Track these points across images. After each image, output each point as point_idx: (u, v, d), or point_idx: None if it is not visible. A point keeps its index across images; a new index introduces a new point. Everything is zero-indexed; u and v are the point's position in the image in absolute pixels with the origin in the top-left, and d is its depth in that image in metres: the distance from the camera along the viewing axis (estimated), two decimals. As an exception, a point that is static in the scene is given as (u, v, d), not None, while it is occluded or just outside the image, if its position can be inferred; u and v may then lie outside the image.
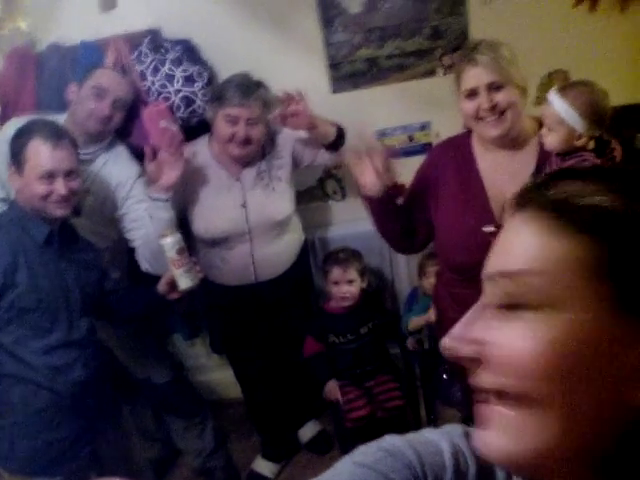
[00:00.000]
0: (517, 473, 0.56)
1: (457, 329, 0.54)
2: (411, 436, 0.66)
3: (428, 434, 0.66)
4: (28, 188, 1.92)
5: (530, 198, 0.55)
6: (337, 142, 2.51)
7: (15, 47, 2.57)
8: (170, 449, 3.08)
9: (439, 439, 0.64)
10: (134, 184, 2.40)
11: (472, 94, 1.86)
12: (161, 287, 2.13)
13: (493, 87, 1.82)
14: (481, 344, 0.52)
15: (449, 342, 0.54)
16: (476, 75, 1.84)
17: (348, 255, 2.68)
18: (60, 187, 1.92)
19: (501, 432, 0.51)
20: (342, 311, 2.68)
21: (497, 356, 0.51)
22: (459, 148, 2.01)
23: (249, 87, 2.31)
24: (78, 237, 2.13)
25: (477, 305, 0.55)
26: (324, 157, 2.57)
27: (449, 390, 2.61)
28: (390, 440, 0.65)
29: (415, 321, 2.66)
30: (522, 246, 0.52)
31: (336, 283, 2.64)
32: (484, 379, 0.52)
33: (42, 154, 1.91)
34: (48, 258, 1.98)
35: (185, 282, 2.05)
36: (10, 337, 1.93)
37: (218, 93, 2.36)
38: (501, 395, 0.51)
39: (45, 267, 1.97)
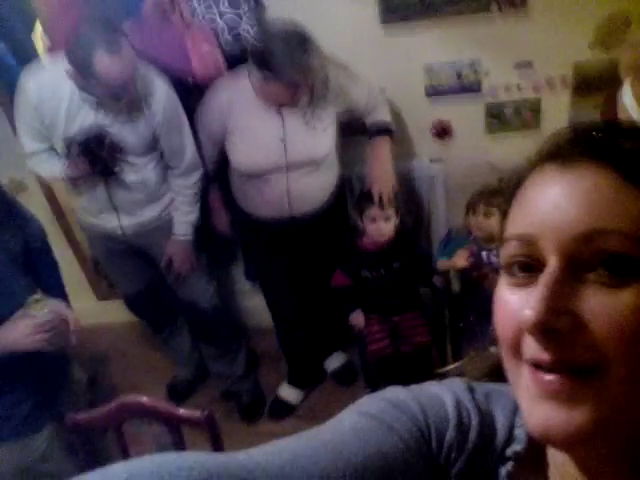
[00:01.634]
0: (571, 447, 0.53)
1: (546, 299, 0.49)
2: (414, 388, 0.66)
3: (431, 387, 0.66)
4: None
5: (603, 148, 0.52)
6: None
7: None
8: (202, 370, 3.17)
9: (442, 392, 0.64)
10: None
11: None
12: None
13: None
14: (578, 315, 0.48)
15: (542, 314, 0.48)
16: None
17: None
18: None
19: (578, 406, 0.49)
20: (376, 248, 2.68)
21: (600, 327, 0.48)
22: None
23: (296, 54, 2.16)
24: None
25: (557, 270, 0.50)
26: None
27: (475, 332, 2.63)
28: (394, 391, 0.65)
29: (442, 263, 2.65)
30: (619, 203, 0.49)
31: (373, 220, 2.62)
32: (577, 352, 0.49)
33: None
34: None
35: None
36: None
37: (263, 59, 2.21)
38: (583, 367, 0.49)
39: None
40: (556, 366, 0.49)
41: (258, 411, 3.05)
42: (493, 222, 2.47)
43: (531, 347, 0.51)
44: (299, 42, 2.18)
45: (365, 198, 2.63)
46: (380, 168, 2.62)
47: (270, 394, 3.10)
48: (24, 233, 2.00)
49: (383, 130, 2.63)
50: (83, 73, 2.10)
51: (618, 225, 0.48)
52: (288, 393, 3.05)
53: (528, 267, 0.53)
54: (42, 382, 1.94)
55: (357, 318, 2.70)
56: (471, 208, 2.53)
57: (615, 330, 0.47)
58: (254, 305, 3.34)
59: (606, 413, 0.48)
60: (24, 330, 1.76)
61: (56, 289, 2.09)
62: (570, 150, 0.53)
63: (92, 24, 2.12)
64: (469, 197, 2.56)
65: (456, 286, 2.74)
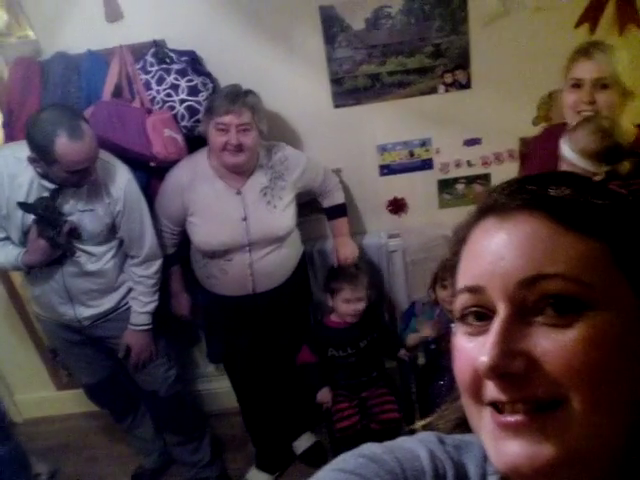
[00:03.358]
0: None
1: (499, 345, 0.52)
2: (388, 444, 0.66)
3: (405, 442, 0.67)
4: None
5: (536, 197, 0.56)
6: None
7: (21, 55, 2.59)
8: (166, 458, 3.09)
9: (416, 446, 0.65)
10: None
11: (576, 86, 1.96)
12: None
13: (599, 84, 1.92)
14: (531, 356, 0.51)
15: (496, 359, 0.51)
16: (586, 68, 1.94)
17: (358, 272, 2.68)
18: None
19: (545, 440, 0.51)
20: (343, 325, 2.69)
21: (553, 365, 0.51)
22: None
23: (237, 95, 2.35)
24: None
25: (506, 316, 0.53)
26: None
27: (443, 398, 2.61)
28: (369, 447, 0.66)
29: (412, 338, 2.66)
30: (556, 247, 0.53)
31: (347, 301, 2.62)
32: (534, 391, 0.51)
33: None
34: None
35: None
36: None
37: (208, 105, 2.41)
38: (541, 403, 0.51)
39: None
40: (516, 406, 0.52)
41: (226, 499, 2.95)
42: None
43: (490, 390, 0.54)
44: (242, 88, 2.40)
45: (337, 277, 2.67)
46: (345, 245, 2.76)
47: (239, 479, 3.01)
48: None
49: (342, 212, 2.77)
50: (45, 159, 2.11)
51: (557, 269, 0.52)
52: (257, 478, 2.97)
53: (481, 316, 0.56)
54: None
55: (324, 395, 2.67)
56: (439, 282, 2.52)
57: (567, 364, 0.50)
58: (217, 388, 3.30)
59: (572, 444, 0.51)
60: None
61: None
62: (507, 203, 0.57)
63: (54, 110, 2.14)
64: (434, 270, 2.56)
65: (421, 359, 2.76)
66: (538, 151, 2.30)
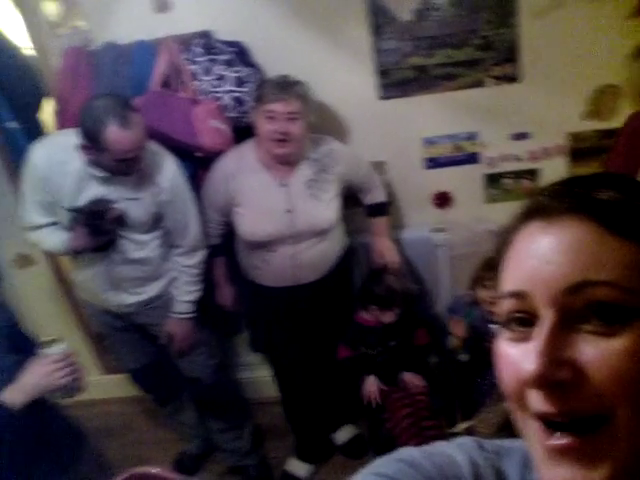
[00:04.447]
0: None
1: (545, 353, 0.50)
2: (427, 448, 0.66)
3: (443, 447, 0.66)
4: None
5: (582, 201, 0.54)
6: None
7: (72, 45, 2.64)
8: (208, 445, 3.13)
9: (455, 452, 0.64)
10: None
11: None
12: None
13: None
14: (577, 365, 0.50)
15: (542, 368, 0.50)
16: None
17: (390, 293, 2.64)
18: None
19: (595, 465, 0.50)
20: (374, 324, 2.67)
21: (599, 375, 0.49)
22: None
23: (287, 83, 2.35)
24: None
25: (552, 323, 0.52)
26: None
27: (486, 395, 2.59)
28: (408, 452, 0.65)
29: (451, 340, 2.61)
30: (602, 253, 0.51)
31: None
32: (580, 402, 0.50)
33: None
34: None
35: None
36: None
37: (258, 93, 2.41)
38: (589, 417, 0.50)
39: None
40: (562, 418, 0.51)
41: (266, 486, 2.99)
42: None
43: (536, 400, 0.52)
44: (291, 78, 2.39)
45: (371, 299, 2.66)
46: (385, 249, 2.76)
47: (278, 469, 3.04)
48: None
49: (382, 211, 2.76)
50: (95, 146, 2.15)
51: (604, 275, 0.50)
52: (297, 467, 2.99)
53: (525, 321, 0.55)
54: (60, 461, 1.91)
55: (371, 384, 2.66)
56: (480, 282, 2.49)
57: (614, 376, 0.49)
58: (259, 377, 3.32)
59: (620, 463, 0.50)
60: (41, 370, 1.69)
61: None
62: (553, 206, 0.56)
63: (106, 99, 2.18)
64: (475, 269, 2.53)
65: (464, 356, 2.73)
66: (621, 140, 2.31)
